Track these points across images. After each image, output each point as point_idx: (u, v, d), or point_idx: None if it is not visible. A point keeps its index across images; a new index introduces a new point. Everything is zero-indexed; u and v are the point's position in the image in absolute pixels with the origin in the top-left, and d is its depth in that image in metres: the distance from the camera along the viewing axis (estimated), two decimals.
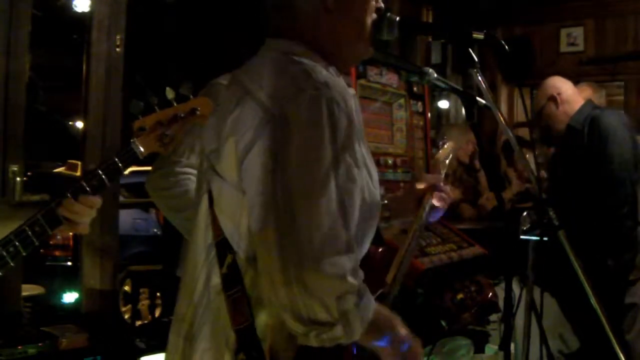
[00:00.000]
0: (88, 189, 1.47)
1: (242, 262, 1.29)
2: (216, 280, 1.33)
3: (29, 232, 1.43)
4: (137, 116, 1.52)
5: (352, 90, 1.43)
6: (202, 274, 1.36)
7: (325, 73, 1.30)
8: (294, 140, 1.20)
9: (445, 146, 2.02)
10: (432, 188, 1.80)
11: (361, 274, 1.23)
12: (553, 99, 3.60)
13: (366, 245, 1.41)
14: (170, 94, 1.51)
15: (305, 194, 1.18)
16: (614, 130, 3.37)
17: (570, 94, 3.62)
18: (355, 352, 1.30)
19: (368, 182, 1.34)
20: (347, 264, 1.19)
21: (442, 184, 1.82)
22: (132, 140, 1.50)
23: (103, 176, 1.48)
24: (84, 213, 1.47)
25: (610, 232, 3.32)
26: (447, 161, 2.00)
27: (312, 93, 1.22)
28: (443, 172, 1.94)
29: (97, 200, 1.49)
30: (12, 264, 1.44)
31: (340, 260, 1.18)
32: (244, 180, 1.25)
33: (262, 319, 1.28)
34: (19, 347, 2.60)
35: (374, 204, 1.37)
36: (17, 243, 1.42)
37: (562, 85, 3.65)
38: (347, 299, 1.18)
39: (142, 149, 1.50)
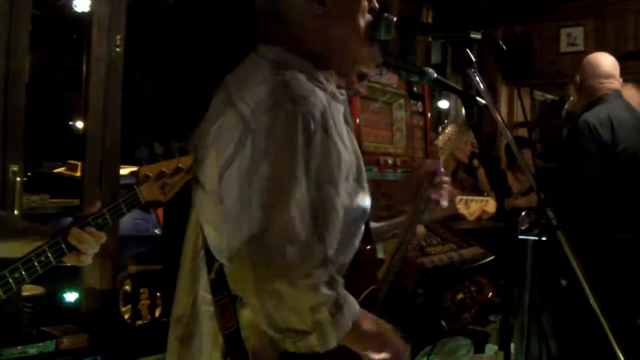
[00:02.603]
0: (93, 225, 1.58)
1: (227, 268, 1.31)
2: (205, 284, 1.35)
3: (35, 262, 1.51)
4: (142, 161, 1.63)
5: (342, 96, 1.42)
6: (193, 277, 1.39)
7: (307, 84, 1.30)
8: (270, 155, 1.21)
9: (446, 131, 2.00)
10: (431, 174, 1.75)
11: (341, 282, 1.23)
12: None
13: (354, 247, 1.41)
14: (174, 146, 1.63)
15: (278, 208, 1.19)
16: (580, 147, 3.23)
17: (591, 81, 3.39)
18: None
19: (352, 190, 1.34)
20: (321, 276, 1.19)
21: (441, 169, 1.77)
22: (136, 188, 1.63)
23: (107, 216, 1.60)
24: (90, 243, 1.55)
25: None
26: (447, 145, 1.97)
27: (287, 107, 1.23)
28: (442, 158, 1.91)
29: (102, 235, 1.59)
30: (15, 289, 1.51)
31: (313, 272, 1.18)
32: (223, 192, 1.27)
33: (245, 319, 1.30)
34: (19, 347, 2.60)
35: (358, 209, 1.37)
36: (22, 271, 1.50)
37: (591, 69, 3.41)
38: (321, 310, 1.18)
39: (145, 196, 1.63)
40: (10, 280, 1.49)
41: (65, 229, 1.56)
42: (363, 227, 1.43)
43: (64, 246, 1.53)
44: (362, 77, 2.35)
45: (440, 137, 2.01)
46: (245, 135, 1.24)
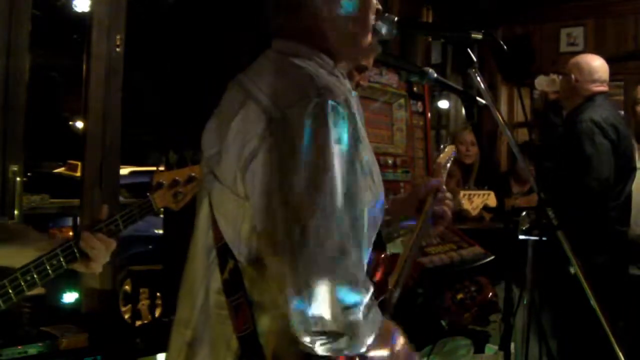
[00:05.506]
0: (105, 231, 1.58)
1: (243, 267, 1.28)
2: (216, 285, 1.32)
3: (47, 265, 1.50)
4: (157, 169, 1.69)
5: (354, 92, 1.43)
6: (203, 279, 1.35)
7: (328, 77, 1.29)
8: (299, 148, 1.18)
9: (446, 150, 2.01)
10: (434, 192, 1.77)
11: (371, 287, 1.22)
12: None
13: (369, 250, 1.39)
14: (188, 155, 1.64)
15: (315, 202, 1.16)
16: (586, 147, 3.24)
17: (586, 84, 3.44)
18: None
19: (371, 187, 1.33)
20: (359, 274, 1.19)
21: (443, 187, 1.80)
22: (149, 195, 1.64)
23: (120, 223, 1.60)
24: (100, 249, 1.55)
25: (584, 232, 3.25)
26: (448, 165, 1.99)
27: (316, 99, 1.20)
28: (444, 176, 1.93)
29: (113, 242, 1.58)
30: (26, 292, 1.51)
31: (352, 269, 1.17)
32: (247, 187, 1.24)
33: (264, 325, 1.27)
34: (19, 347, 2.60)
35: (377, 208, 1.36)
36: (35, 274, 1.49)
37: (589, 73, 3.45)
38: (356, 310, 1.16)
39: (157, 203, 1.65)
40: (22, 283, 1.48)
41: (77, 234, 1.56)
42: (378, 227, 1.42)
43: (76, 251, 1.52)
44: (362, 69, 2.36)
45: (441, 155, 2.01)
46: (269, 128, 1.21)
